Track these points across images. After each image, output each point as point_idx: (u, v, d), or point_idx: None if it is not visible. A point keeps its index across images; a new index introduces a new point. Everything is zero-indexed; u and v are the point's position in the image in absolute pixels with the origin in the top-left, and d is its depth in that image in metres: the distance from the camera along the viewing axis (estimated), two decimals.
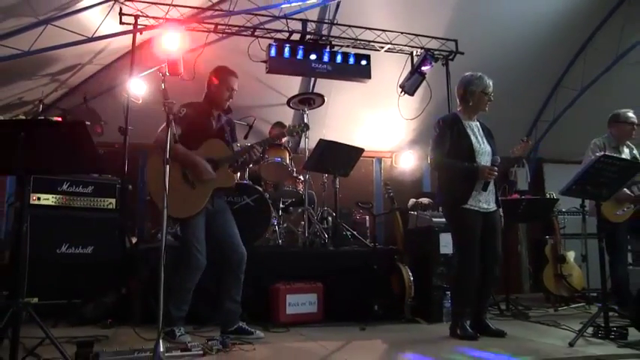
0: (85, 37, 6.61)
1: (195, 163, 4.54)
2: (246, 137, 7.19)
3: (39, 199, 5.49)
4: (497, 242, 4.99)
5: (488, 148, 5.02)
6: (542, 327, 5.50)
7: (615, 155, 5.37)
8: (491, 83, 5.12)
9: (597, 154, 5.03)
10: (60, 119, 5.97)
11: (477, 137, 5.04)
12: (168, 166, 3.82)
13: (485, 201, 4.95)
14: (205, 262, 4.58)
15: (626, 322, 4.82)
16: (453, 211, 4.99)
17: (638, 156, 6.25)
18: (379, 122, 9.55)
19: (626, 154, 6.15)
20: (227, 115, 4.98)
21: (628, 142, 6.27)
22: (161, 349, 3.55)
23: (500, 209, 5.12)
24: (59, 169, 4.49)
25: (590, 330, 4.71)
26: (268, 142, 5.40)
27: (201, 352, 3.99)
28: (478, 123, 5.18)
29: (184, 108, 4.61)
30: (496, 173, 4.86)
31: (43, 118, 6.64)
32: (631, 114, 6.20)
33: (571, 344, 4.35)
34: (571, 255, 7.57)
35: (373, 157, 10.46)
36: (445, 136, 4.99)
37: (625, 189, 5.86)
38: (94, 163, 3.74)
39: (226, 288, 4.71)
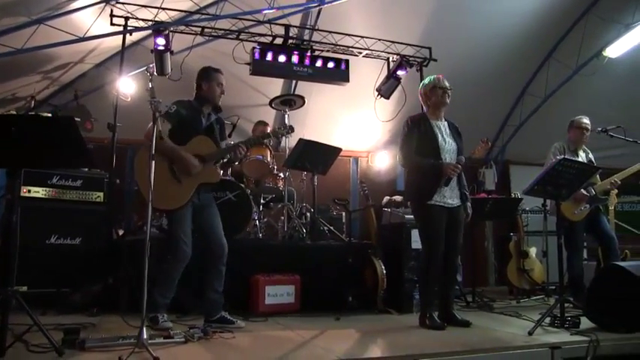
0: (76, 37, 6.53)
1: (182, 157, 4.52)
2: (230, 135, 7.14)
3: (29, 191, 5.47)
4: (459, 235, 5.03)
5: (453, 146, 5.05)
6: (505, 317, 5.55)
7: (574, 159, 5.45)
8: (442, 78, 5.20)
9: (558, 157, 5.10)
10: (50, 115, 5.92)
11: (442, 135, 5.07)
12: (154, 162, 3.82)
13: (450, 197, 4.99)
14: (191, 253, 4.57)
15: (579, 312, 4.92)
16: (419, 206, 5.02)
17: (592, 159, 6.36)
18: (357, 123, 9.58)
19: (582, 157, 6.27)
20: (217, 114, 4.97)
21: (584, 147, 6.40)
22: (144, 336, 3.54)
23: (469, 204, 5.14)
24: (49, 163, 4.48)
25: (547, 320, 4.79)
26: (253, 141, 5.40)
27: (184, 339, 3.98)
28: (446, 122, 5.20)
29: (174, 105, 4.61)
30: (459, 170, 4.90)
31: (33, 113, 6.57)
32: (585, 120, 6.34)
33: (530, 333, 4.41)
34: (533, 251, 7.64)
35: (350, 157, 10.45)
36: (412, 135, 5.03)
37: (582, 189, 5.94)
38: (83, 157, 3.72)
39: (209, 279, 4.70)
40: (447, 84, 5.15)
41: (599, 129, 6.22)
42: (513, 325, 4.98)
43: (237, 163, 5.52)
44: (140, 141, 4.55)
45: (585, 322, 4.70)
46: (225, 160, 4.91)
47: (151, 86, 3.99)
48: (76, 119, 7.36)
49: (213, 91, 4.80)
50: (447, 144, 5.04)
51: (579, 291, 5.93)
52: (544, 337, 4.35)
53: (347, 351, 3.86)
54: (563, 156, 5.49)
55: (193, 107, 4.79)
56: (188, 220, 4.59)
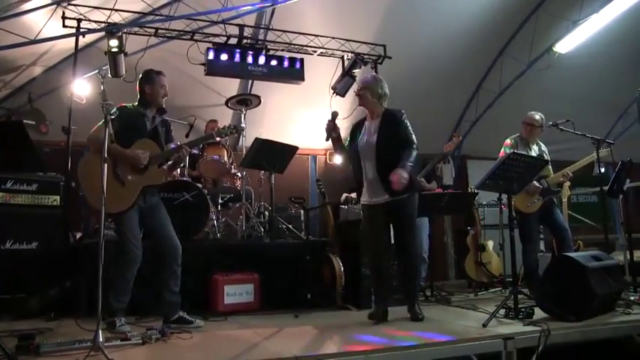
0: (27, 40, 6.45)
1: (125, 154, 4.54)
2: (187, 136, 7.15)
3: None
4: (401, 231, 5.09)
5: (373, 140, 5.08)
6: (462, 310, 5.66)
7: (523, 153, 5.56)
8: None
9: (508, 151, 5.21)
10: None
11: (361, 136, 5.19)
12: (106, 165, 3.83)
13: (373, 194, 5.06)
14: (141, 255, 4.59)
15: (533, 303, 5.03)
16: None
17: (546, 153, 6.50)
18: (314, 121, 9.57)
19: (535, 151, 6.39)
20: (162, 116, 4.96)
21: (538, 141, 6.52)
22: (100, 339, 3.55)
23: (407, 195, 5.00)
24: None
25: (502, 311, 4.88)
26: (196, 142, 5.33)
27: (141, 341, 3.98)
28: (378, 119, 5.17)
29: (117, 110, 4.57)
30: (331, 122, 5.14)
31: None
32: (537, 117, 6.44)
33: (484, 325, 4.50)
34: (490, 244, 7.81)
35: (308, 155, 10.51)
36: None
37: (535, 182, 6.09)
38: (33, 161, 3.70)
39: (164, 280, 4.71)
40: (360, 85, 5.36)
41: (550, 123, 6.36)
42: (469, 318, 5.06)
43: (182, 165, 5.45)
44: (86, 143, 4.58)
45: (539, 313, 4.81)
46: (170, 162, 4.88)
47: (102, 89, 4.01)
48: (31, 122, 7.44)
49: (156, 94, 4.80)
50: (367, 141, 5.12)
51: (534, 282, 6.05)
52: (497, 328, 4.44)
53: (303, 348, 3.90)
54: (512, 150, 5.60)
55: (137, 111, 4.79)
56: (135, 222, 4.60)
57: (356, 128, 5.28)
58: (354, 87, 8.30)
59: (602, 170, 6.55)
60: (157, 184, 4.75)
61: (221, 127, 5.04)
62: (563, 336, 4.35)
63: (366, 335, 4.35)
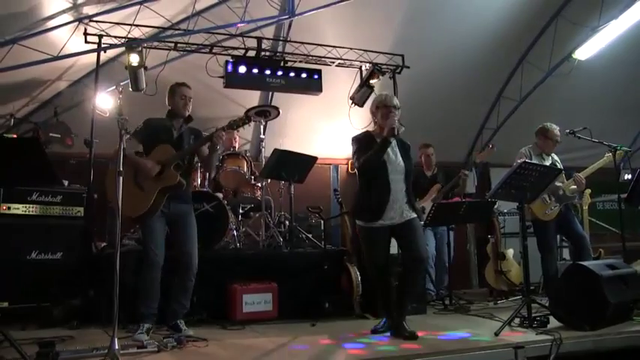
0: (50, 56, 6.65)
1: (138, 162, 4.83)
2: None
3: (9, 208, 5.52)
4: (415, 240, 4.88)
5: (402, 165, 4.90)
6: (479, 319, 5.68)
7: (534, 162, 5.57)
8: (389, 97, 5.00)
9: (518, 161, 5.23)
10: (15, 136, 6.08)
11: (390, 154, 4.88)
12: (121, 178, 3.96)
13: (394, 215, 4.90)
14: (161, 261, 4.76)
15: (548, 312, 5.03)
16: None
17: (558, 162, 6.49)
18: (334, 131, 9.66)
19: (548, 160, 6.39)
20: (188, 125, 5.20)
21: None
22: (116, 347, 3.65)
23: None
24: (15, 182, 4.61)
25: (517, 320, 4.91)
26: (206, 139, 5.11)
27: (156, 349, 4.09)
28: (394, 141, 4.88)
29: (142, 123, 4.99)
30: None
31: None
32: (557, 132, 6.41)
33: (496, 334, 4.53)
34: (510, 252, 7.76)
35: (330, 164, 10.52)
36: (362, 150, 4.89)
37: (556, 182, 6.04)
38: (48, 176, 3.85)
39: (176, 291, 4.89)
40: (395, 102, 4.92)
41: (567, 131, 6.34)
42: (484, 327, 5.07)
43: (217, 150, 5.37)
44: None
45: (554, 322, 4.83)
46: (187, 162, 5.06)
47: (119, 104, 4.16)
48: (57, 135, 7.63)
49: (177, 105, 5.09)
50: (396, 162, 4.90)
51: None
52: (509, 337, 4.47)
53: (314, 356, 3.98)
54: (523, 160, 5.58)
55: (163, 122, 5.09)
56: (158, 230, 4.81)
57: (372, 141, 4.93)
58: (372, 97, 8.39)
59: (629, 177, 6.52)
60: (171, 184, 4.81)
61: (232, 120, 5.04)
62: (576, 345, 4.37)
63: (376, 344, 4.42)
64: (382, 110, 4.89)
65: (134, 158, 4.82)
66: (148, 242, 4.79)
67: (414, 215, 4.88)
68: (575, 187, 6.27)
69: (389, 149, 4.82)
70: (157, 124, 5.06)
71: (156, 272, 4.75)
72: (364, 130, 5.22)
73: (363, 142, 4.94)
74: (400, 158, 4.91)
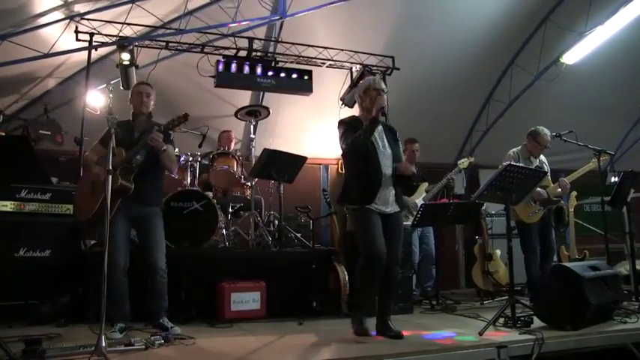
0: (40, 54, 6.65)
1: (90, 168, 4.93)
2: (200, 146, 7.28)
3: None
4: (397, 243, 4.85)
5: (389, 150, 4.85)
6: (465, 319, 5.72)
7: (520, 165, 5.62)
8: (378, 80, 4.94)
9: (504, 163, 5.27)
10: (3, 134, 6.08)
11: (377, 140, 4.81)
12: (110, 176, 3.98)
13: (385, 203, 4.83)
14: (122, 262, 4.76)
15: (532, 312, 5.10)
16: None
17: (545, 164, 6.56)
18: (325, 132, 9.68)
19: (535, 163, 6.47)
20: (148, 122, 5.09)
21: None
22: (103, 344, 3.67)
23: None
24: (4, 179, 4.59)
25: (502, 320, 4.97)
26: (142, 145, 4.96)
27: (144, 346, 4.10)
28: (380, 125, 4.85)
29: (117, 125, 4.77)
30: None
31: None
32: (548, 137, 6.48)
33: (480, 334, 4.57)
34: (497, 253, 7.82)
35: (320, 164, 10.56)
36: (349, 132, 4.76)
37: (539, 188, 6.13)
38: (36, 174, 3.87)
39: (148, 291, 4.89)
40: (382, 85, 4.83)
41: (553, 134, 6.42)
42: (469, 327, 5.09)
43: (163, 149, 5.20)
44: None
45: (538, 322, 4.89)
46: (131, 164, 4.88)
47: (109, 103, 4.17)
48: (47, 133, 7.61)
49: (134, 103, 5.09)
50: (385, 149, 4.83)
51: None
52: (493, 337, 4.51)
53: (299, 355, 4.02)
54: (508, 162, 5.61)
55: (127, 123, 5.07)
56: (117, 230, 4.70)
57: (359, 125, 4.78)
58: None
59: (616, 179, 6.59)
60: (114, 189, 4.54)
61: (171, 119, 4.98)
62: (558, 344, 4.43)
63: (364, 342, 4.45)
64: (372, 93, 4.77)
65: (88, 164, 4.91)
66: (110, 242, 4.59)
67: (399, 209, 4.86)
68: (560, 190, 6.35)
69: (377, 137, 4.78)
70: (121, 125, 4.88)
71: (117, 273, 4.70)
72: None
73: (350, 125, 4.83)
74: (387, 145, 4.85)
